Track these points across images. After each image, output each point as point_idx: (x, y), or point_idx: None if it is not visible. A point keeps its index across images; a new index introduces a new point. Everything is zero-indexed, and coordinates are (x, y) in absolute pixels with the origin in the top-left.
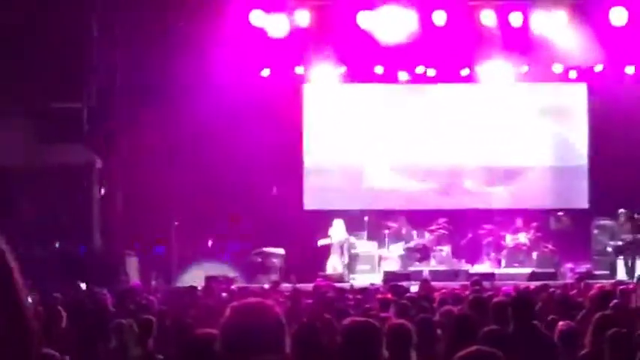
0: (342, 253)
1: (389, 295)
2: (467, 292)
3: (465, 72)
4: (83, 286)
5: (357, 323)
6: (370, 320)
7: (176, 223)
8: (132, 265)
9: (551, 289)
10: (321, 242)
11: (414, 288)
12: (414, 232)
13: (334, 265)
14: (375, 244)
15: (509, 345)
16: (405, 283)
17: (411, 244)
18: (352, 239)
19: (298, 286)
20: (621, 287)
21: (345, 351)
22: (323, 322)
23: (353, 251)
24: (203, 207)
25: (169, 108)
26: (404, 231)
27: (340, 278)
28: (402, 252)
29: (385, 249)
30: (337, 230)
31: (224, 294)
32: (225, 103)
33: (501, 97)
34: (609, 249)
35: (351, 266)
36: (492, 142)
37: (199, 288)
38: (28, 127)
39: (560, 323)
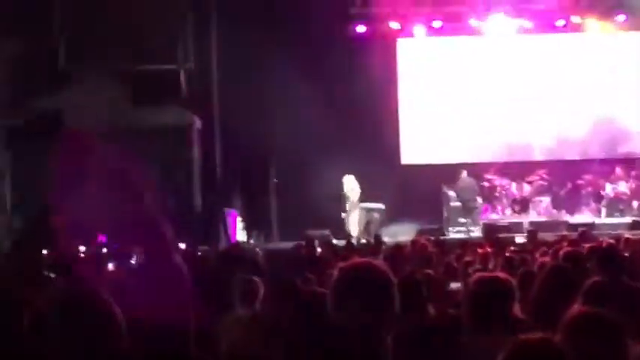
0: (360, 211)
1: (488, 249)
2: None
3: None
4: (182, 245)
5: (486, 279)
6: (499, 276)
7: (275, 180)
8: (233, 222)
9: None
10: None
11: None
12: (514, 184)
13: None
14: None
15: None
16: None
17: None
18: (451, 193)
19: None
20: None
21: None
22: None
23: (451, 204)
24: (300, 163)
25: (265, 66)
26: (503, 183)
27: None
28: (502, 204)
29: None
30: (351, 187)
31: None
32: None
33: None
34: None
35: (450, 219)
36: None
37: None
38: (125, 90)
39: None
